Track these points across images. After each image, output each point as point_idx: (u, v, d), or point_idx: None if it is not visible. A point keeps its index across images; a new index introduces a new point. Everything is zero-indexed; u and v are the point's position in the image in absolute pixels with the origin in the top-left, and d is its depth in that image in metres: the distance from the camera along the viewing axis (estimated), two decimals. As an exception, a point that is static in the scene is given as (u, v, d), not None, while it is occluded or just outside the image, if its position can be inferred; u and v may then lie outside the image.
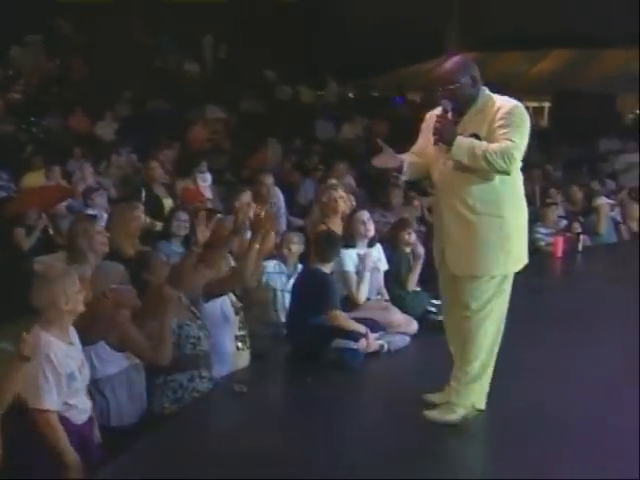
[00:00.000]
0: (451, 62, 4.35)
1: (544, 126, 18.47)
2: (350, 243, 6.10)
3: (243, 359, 5.14)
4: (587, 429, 4.34)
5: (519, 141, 4.10)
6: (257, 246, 5.02)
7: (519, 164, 4.18)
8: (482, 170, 4.12)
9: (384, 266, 6.33)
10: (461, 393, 4.31)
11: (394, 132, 15.47)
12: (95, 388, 4.15)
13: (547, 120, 19.68)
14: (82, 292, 3.91)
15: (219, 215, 6.08)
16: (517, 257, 4.31)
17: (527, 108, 4.32)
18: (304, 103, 17.68)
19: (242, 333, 5.16)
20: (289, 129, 14.04)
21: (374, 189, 9.87)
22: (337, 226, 6.44)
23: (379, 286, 6.30)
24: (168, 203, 8.05)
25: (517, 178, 4.29)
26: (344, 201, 6.73)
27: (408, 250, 6.60)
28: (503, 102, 4.22)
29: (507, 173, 4.12)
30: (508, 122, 4.12)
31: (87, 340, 4.06)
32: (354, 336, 5.39)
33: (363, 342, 5.38)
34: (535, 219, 8.85)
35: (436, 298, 6.49)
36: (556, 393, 4.69)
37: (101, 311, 4.21)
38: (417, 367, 5.56)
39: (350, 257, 6.03)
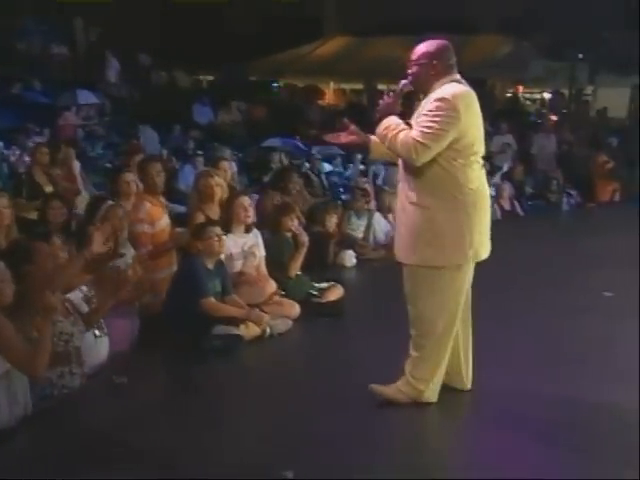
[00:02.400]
0: (425, 43, 4.20)
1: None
2: (226, 228, 5.98)
3: (104, 346, 4.96)
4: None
5: (430, 133, 3.88)
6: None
7: (468, 155, 3.97)
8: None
9: (261, 252, 6.26)
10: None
11: (272, 116, 15.49)
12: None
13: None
14: None
15: (109, 202, 5.92)
16: (454, 250, 4.07)
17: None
18: (180, 87, 17.37)
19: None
20: (166, 114, 13.76)
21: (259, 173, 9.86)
22: (214, 213, 6.33)
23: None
24: (50, 190, 7.75)
25: (457, 170, 4.00)
26: (221, 188, 6.63)
27: (289, 235, 6.57)
28: (440, 92, 3.98)
29: (414, 163, 3.96)
30: (429, 112, 3.93)
31: None
32: (235, 321, 5.34)
33: (244, 327, 5.35)
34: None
35: (318, 282, 6.53)
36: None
37: None
38: (300, 350, 5.56)
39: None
